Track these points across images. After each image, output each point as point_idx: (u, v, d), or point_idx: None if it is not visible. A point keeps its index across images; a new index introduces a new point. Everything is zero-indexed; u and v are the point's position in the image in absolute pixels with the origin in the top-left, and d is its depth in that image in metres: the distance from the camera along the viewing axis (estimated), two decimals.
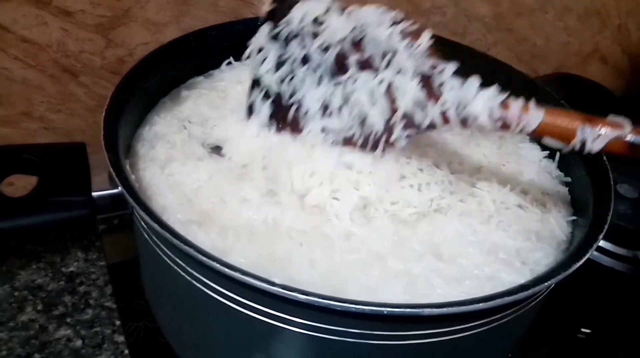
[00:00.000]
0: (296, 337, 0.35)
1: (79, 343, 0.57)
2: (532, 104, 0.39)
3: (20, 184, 0.58)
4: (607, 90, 0.81)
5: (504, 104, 0.39)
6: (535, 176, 0.48)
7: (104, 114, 0.41)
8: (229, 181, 0.44)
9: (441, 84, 0.40)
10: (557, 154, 0.51)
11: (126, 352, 0.57)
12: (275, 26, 0.44)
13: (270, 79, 0.45)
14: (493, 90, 0.39)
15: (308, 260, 0.38)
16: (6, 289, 0.61)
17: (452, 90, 0.39)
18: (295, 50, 0.44)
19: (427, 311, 0.30)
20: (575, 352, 0.65)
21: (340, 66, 0.43)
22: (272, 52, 0.45)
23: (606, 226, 0.38)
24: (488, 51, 0.84)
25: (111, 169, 0.36)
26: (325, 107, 0.44)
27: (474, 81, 0.39)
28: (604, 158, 0.45)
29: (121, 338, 0.58)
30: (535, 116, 0.38)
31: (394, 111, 0.41)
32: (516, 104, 0.38)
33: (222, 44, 0.57)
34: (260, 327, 0.35)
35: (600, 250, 0.64)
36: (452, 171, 0.46)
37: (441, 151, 0.48)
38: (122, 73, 0.63)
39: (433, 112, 0.40)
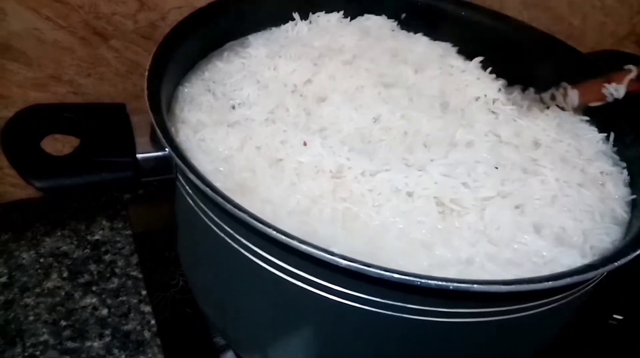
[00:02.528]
0: (349, 310, 0.33)
1: (105, 311, 0.57)
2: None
3: (47, 148, 0.57)
4: None
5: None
6: (594, 156, 0.46)
7: (147, 72, 0.39)
8: (261, 152, 0.42)
9: None
10: (612, 135, 0.49)
11: (153, 322, 0.56)
12: None
13: None
14: None
15: (348, 248, 0.36)
16: (32, 255, 0.61)
17: None
18: None
19: (495, 287, 0.29)
20: (606, 338, 0.63)
21: None
22: None
23: None
24: None
25: (157, 130, 0.34)
26: None
27: None
28: None
29: (147, 308, 0.57)
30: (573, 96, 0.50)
31: None
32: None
33: (258, 10, 0.55)
34: (311, 298, 0.33)
35: None
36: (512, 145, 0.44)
37: (498, 122, 0.47)
38: (154, 38, 0.62)
39: None
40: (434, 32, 0.58)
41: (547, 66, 0.55)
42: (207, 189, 0.32)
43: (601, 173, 0.44)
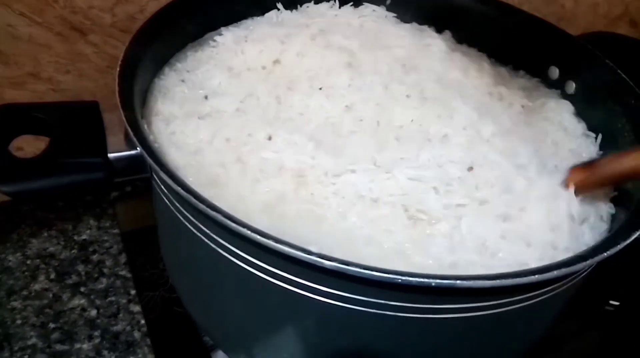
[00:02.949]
0: (330, 309, 0.32)
1: (93, 312, 0.56)
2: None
3: (30, 147, 0.55)
4: None
5: None
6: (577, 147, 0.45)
7: (118, 69, 0.38)
8: (230, 145, 0.41)
9: None
10: (599, 137, 0.47)
11: (142, 321, 0.55)
12: None
13: None
14: None
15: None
16: (18, 257, 0.60)
17: None
18: None
19: (479, 283, 0.28)
20: (603, 323, 0.63)
21: None
22: None
23: None
24: None
25: (129, 129, 0.33)
26: None
27: None
28: None
29: (137, 308, 0.57)
30: None
31: None
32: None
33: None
34: (293, 298, 0.32)
35: None
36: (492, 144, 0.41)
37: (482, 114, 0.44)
38: (133, 31, 0.60)
39: None
40: (420, 18, 0.56)
41: (536, 51, 0.53)
42: (180, 189, 0.30)
43: None
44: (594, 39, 0.73)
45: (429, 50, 0.51)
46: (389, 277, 0.27)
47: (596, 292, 0.64)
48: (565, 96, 0.52)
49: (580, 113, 0.50)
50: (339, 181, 0.37)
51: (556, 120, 0.48)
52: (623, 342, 0.61)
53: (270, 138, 0.40)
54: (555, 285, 0.34)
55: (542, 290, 0.33)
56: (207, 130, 0.41)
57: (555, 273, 0.29)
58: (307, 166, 0.38)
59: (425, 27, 0.55)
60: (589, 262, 0.30)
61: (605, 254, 0.31)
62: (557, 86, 0.53)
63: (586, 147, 0.46)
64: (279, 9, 0.54)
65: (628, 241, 0.32)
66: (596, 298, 0.64)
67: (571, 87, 0.51)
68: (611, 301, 0.64)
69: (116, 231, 0.63)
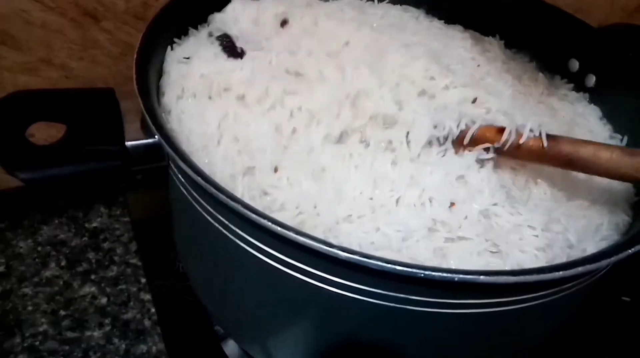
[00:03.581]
0: (348, 302, 0.32)
1: (104, 300, 0.56)
2: None
3: (41, 134, 0.55)
4: None
5: None
6: None
7: (135, 56, 0.37)
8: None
9: None
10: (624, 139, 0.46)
11: (153, 310, 0.55)
12: None
13: None
14: None
15: None
16: (29, 244, 0.60)
17: None
18: None
19: (502, 278, 0.27)
20: (614, 319, 0.62)
21: None
22: None
23: None
24: None
25: (147, 117, 0.33)
26: None
27: None
28: None
29: (147, 296, 0.57)
30: None
31: None
32: None
33: None
34: (310, 290, 0.32)
35: None
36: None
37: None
38: (147, 18, 0.59)
39: None
40: (439, 11, 0.55)
41: (556, 43, 0.53)
42: (200, 179, 0.30)
43: None
44: (612, 31, 0.72)
45: (487, 56, 0.49)
46: (412, 271, 0.27)
47: (608, 288, 0.63)
48: (584, 88, 0.51)
49: (595, 101, 0.49)
50: (338, 228, 0.35)
51: (583, 124, 0.47)
52: (634, 337, 0.61)
53: (276, 170, 0.37)
54: (577, 282, 0.33)
55: (564, 287, 0.33)
56: (214, 114, 0.40)
57: (580, 269, 0.28)
58: (307, 215, 0.36)
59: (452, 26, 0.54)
60: (613, 259, 0.30)
61: (629, 251, 0.30)
62: (576, 78, 0.52)
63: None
64: None
65: None
66: (608, 294, 0.63)
67: (591, 80, 0.51)
68: (623, 298, 0.63)
69: (127, 219, 0.63)
